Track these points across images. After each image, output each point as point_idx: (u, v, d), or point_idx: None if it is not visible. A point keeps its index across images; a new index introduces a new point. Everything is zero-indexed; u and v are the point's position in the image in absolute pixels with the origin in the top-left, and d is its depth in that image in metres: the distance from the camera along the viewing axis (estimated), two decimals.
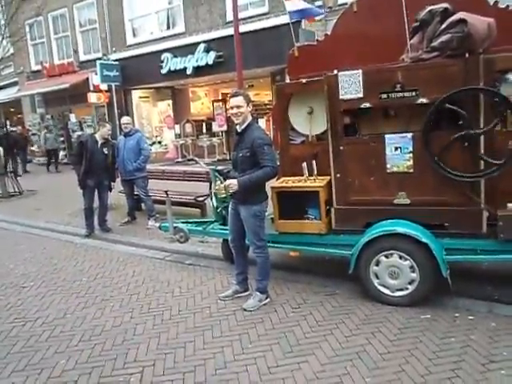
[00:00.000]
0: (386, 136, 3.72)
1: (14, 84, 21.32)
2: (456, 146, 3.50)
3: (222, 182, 4.01)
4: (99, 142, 6.43)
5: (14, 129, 16.12)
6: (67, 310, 4.10)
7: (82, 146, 6.36)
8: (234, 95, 3.75)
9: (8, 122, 19.00)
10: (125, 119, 7.05)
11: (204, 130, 15.69)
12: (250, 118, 3.76)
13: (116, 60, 15.94)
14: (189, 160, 13.39)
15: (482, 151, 3.44)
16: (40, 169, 16.45)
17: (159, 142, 16.66)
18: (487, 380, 2.65)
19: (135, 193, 7.14)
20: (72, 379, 2.95)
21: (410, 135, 3.63)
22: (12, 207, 9.56)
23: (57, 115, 18.89)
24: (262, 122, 13.74)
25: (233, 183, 3.63)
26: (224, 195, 3.89)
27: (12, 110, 23.11)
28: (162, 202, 6.37)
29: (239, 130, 3.77)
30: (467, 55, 3.38)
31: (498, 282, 3.92)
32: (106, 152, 6.46)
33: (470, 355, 2.91)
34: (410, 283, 3.62)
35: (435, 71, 3.48)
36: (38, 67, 19.10)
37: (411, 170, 3.67)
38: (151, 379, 2.91)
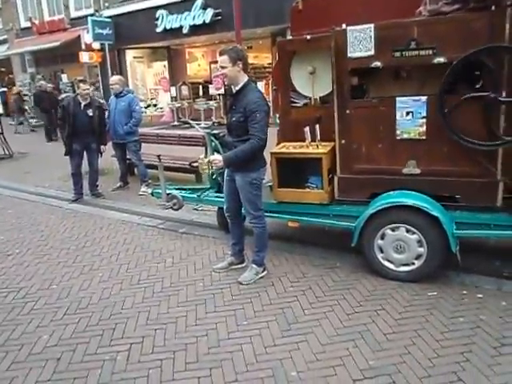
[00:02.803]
0: (398, 99, 3.39)
1: (4, 42, 20.52)
2: (473, 112, 3.20)
3: (206, 154, 3.72)
4: (82, 104, 6.06)
5: (50, 85, 14.96)
6: (53, 280, 3.88)
7: (64, 109, 6.01)
8: (220, 54, 3.39)
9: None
10: (113, 79, 6.63)
11: (201, 93, 15.17)
12: (244, 79, 3.40)
13: (109, 17, 15.22)
14: (184, 123, 12.98)
15: (503, 118, 3.14)
16: (32, 131, 15.98)
17: (154, 105, 16.19)
18: (500, 365, 2.46)
19: (127, 157, 6.83)
20: (54, 356, 2.75)
21: (424, 98, 3.31)
22: (1, 170, 9.23)
23: (48, 75, 18.25)
24: (260, 86, 13.26)
25: (217, 159, 3.37)
26: (207, 171, 3.63)
27: (2, 69, 22.38)
28: (156, 167, 6.08)
29: (234, 91, 3.44)
30: (493, 8, 3.01)
31: (507, 257, 3.71)
32: (91, 114, 6.09)
33: (481, 337, 2.72)
34: (416, 258, 3.40)
35: (456, 26, 3.13)
36: (28, 24, 18.29)
37: (423, 137, 3.37)
38: (139, 358, 2.71)
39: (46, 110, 12.79)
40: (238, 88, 3.41)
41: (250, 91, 3.37)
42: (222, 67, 3.36)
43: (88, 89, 6.15)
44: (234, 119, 3.40)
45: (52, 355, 2.77)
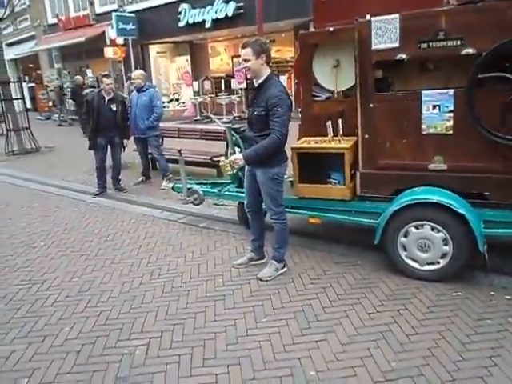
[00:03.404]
0: (423, 92, 3.28)
1: (32, 38, 20.97)
2: (503, 106, 3.06)
3: (227, 151, 3.70)
4: (106, 99, 6.11)
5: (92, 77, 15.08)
6: (75, 273, 3.93)
7: (88, 104, 6.07)
8: (243, 47, 3.32)
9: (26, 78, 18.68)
10: (135, 73, 6.66)
11: (223, 88, 15.14)
12: (267, 72, 3.33)
13: (132, 12, 15.33)
14: (206, 118, 13.00)
15: None
16: (59, 126, 16.31)
17: (177, 100, 16.26)
18: None
19: (149, 152, 6.88)
20: (74, 349, 2.78)
21: (451, 92, 3.18)
22: (28, 164, 9.44)
23: (74, 70, 18.56)
24: (283, 80, 13.14)
25: (238, 158, 3.35)
26: (229, 171, 3.62)
27: (30, 65, 22.89)
28: (178, 162, 6.09)
29: (256, 85, 3.39)
30: None
31: None
32: (115, 108, 6.14)
33: (509, 341, 2.60)
34: (441, 257, 3.28)
35: (486, 16, 2.98)
36: (55, 20, 18.63)
37: (450, 132, 3.24)
38: (157, 353, 2.71)
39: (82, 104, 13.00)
40: (260, 81, 3.35)
41: (272, 85, 3.31)
42: (245, 60, 3.30)
43: (111, 83, 6.21)
44: (255, 113, 3.35)
45: (72, 348, 2.80)
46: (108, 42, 15.85)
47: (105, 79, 6.15)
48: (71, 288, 3.64)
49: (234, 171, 3.96)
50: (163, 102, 15.95)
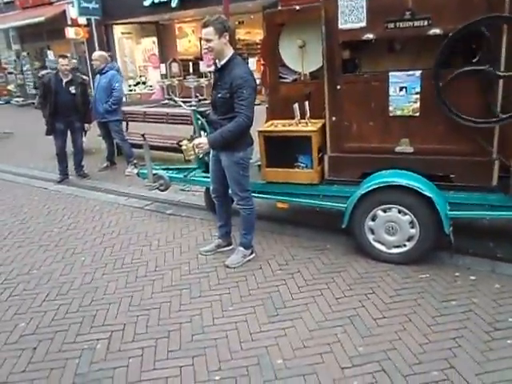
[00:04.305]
0: (391, 74, 3.22)
1: None
2: (470, 87, 3.04)
3: (191, 139, 3.52)
4: (64, 81, 5.80)
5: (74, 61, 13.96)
6: (33, 264, 3.74)
7: (45, 86, 5.75)
8: (203, 26, 3.12)
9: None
10: (94, 55, 6.32)
11: (191, 70, 14.78)
12: (230, 52, 3.18)
13: None
14: (169, 100, 12.65)
15: (501, 94, 2.98)
16: (19, 110, 15.60)
17: (143, 83, 15.78)
18: (492, 351, 2.38)
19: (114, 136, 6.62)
20: (30, 346, 2.63)
21: (418, 73, 3.14)
22: None
23: (34, 52, 17.69)
24: (252, 62, 12.94)
25: (203, 142, 3.18)
26: (193, 156, 3.45)
27: None
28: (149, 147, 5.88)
29: (218, 66, 3.24)
30: None
31: (501, 238, 3.62)
32: (74, 91, 5.84)
33: (473, 321, 2.63)
34: (408, 240, 3.29)
35: None
36: None
37: (417, 114, 3.21)
38: (119, 346, 2.60)
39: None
40: (223, 62, 3.20)
41: (236, 65, 3.16)
42: (208, 40, 3.13)
43: (67, 64, 5.86)
44: (219, 95, 3.21)
45: (28, 344, 2.65)
46: (69, 22, 15.12)
47: (61, 59, 5.80)
48: (29, 281, 3.46)
49: (200, 156, 3.80)
50: (130, 86, 15.50)
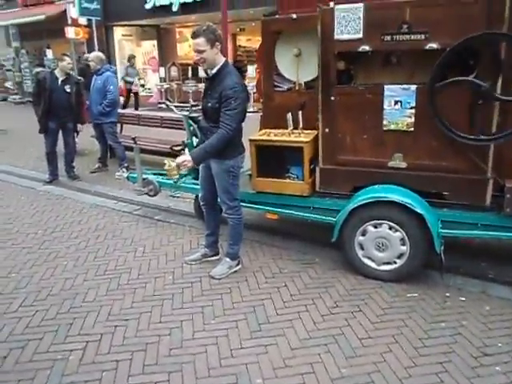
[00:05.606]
0: (386, 87, 3.16)
1: None
2: (466, 104, 2.99)
3: (178, 152, 3.36)
4: (60, 79, 5.72)
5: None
6: (13, 267, 3.63)
7: (40, 84, 5.66)
8: (193, 36, 3.03)
9: None
10: (90, 55, 6.26)
11: (190, 75, 14.74)
12: (221, 61, 3.10)
13: None
14: (162, 104, 12.53)
15: (497, 112, 2.93)
16: (16, 108, 15.48)
17: (142, 86, 15.69)
18: (480, 378, 2.29)
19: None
20: (0, 355, 2.52)
21: (413, 87, 3.08)
22: None
23: (33, 50, 17.61)
24: (252, 70, 12.94)
25: (186, 160, 3.04)
26: (176, 176, 3.31)
27: None
28: (142, 151, 5.78)
29: (210, 75, 3.16)
30: None
31: (493, 259, 3.54)
32: (69, 90, 5.76)
33: (462, 345, 2.54)
34: (398, 257, 3.21)
35: (452, 10, 2.88)
36: None
37: (411, 129, 3.15)
38: (93, 358, 2.49)
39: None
40: (214, 71, 3.12)
41: (227, 75, 3.08)
42: (199, 51, 3.04)
43: (71, 63, 5.80)
44: (209, 105, 3.14)
45: None
46: (69, 22, 15.06)
47: (66, 58, 5.75)
48: (6, 284, 3.35)
49: (183, 173, 3.63)
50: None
